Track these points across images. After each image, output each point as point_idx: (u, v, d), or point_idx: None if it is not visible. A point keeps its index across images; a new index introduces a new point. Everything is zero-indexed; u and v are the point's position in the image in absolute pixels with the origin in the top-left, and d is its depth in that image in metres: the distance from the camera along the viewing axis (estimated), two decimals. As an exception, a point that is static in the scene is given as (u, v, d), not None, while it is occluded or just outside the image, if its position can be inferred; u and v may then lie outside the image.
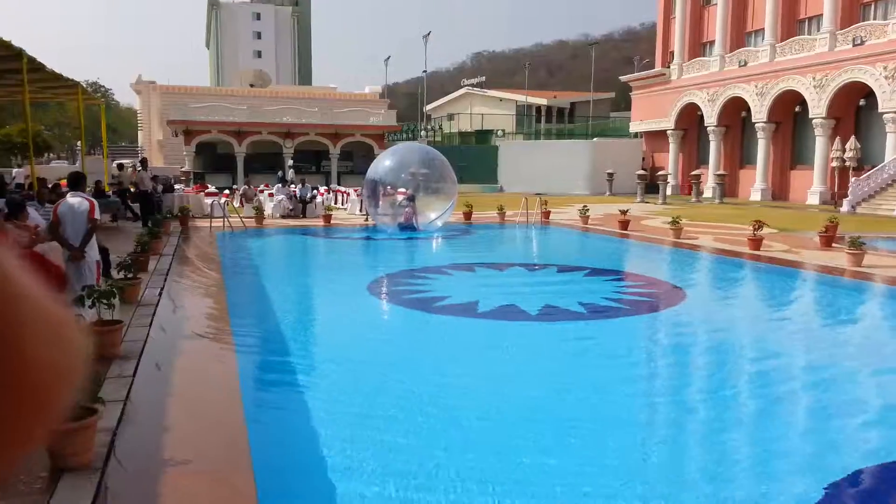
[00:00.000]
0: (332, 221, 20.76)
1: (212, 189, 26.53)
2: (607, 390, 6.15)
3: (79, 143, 43.60)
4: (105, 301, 6.31)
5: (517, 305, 9.51)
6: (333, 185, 33.40)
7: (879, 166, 26.39)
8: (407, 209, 18.34)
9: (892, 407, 5.81)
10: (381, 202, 18.75)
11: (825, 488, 4.13)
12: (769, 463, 4.58)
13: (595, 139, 45.41)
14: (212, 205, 20.23)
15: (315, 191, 25.32)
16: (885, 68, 26.67)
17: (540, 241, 18.76)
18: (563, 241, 18.45)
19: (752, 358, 7.39)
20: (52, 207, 11.47)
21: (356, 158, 44.82)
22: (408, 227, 18.19)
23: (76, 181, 8.26)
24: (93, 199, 8.15)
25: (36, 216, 10.41)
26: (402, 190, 18.95)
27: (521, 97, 64.02)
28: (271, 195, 23.72)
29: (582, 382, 6.39)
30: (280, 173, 33.15)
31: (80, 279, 7.54)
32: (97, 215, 7.98)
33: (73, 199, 7.96)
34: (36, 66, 12.15)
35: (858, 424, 5.37)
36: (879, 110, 26.94)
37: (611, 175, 36.87)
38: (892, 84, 26.42)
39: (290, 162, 35.82)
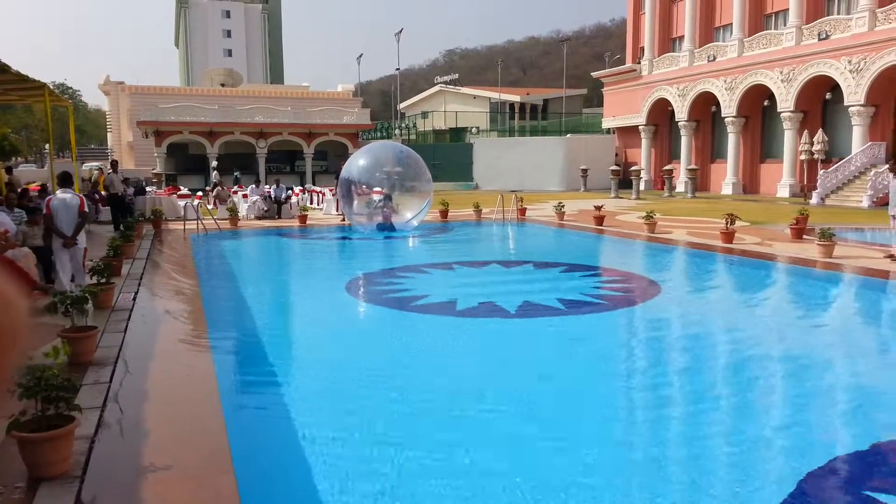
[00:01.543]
0: (307, 222, 20.66)
1: (184, 191, 26.21)
2: (588, 384, 6.20)
3: (47, 146, 42.69)
4: (78, 307, 6.21)
5: (495, 303, 9.55)
6: (308, 185, 33.20)
7: (846, 158, 26.94)
8: (385, 209, 18.29)
9: (868, 394, 5.94)
10: (356, 202, 18.68)
11: (802, 478, 4.21)
12: (748, 453, 4.66)
13: (568, 135, 45.69)
14: (185, 207, 20.00)
15: (290, 191, 25.16)
16: (849, 62, 27.20)
17: (516, 239, 18.83)
18: (539, 238, 18.54)
19: (728, 349, 7.51)
20: (21, 212, 11.29)
21: (330, 158, 44.56)
22: (385, 227, 18.15)
23: (65, 179, 9.45)
24: (82, 195, 9.54)
25: (6, 220, 10.22)
26: (378, 189, 18.90)
27: (494, 94, 64.22)
28: (245, 196, 23.52)
29: (563, 377, 6.44)
30: (215, 175, 33.10)
31: (74, 262, 9.19)
32: (87, 209, 9.40)
33: (65, 195, 9.26)
34: (1, 68, 11.91)
35: (835, 412, 5.48)
36: (845, 103, 27.47)
37: (585, 171, 37.11)
38: (856, 78, 26.95)
39: (215, 163, 35.55)
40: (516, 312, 8.94)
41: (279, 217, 22.71)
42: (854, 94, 26.97)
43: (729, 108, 33.32)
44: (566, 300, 9.64)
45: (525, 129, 59.73)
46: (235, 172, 36.32)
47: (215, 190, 24.88)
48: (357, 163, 18.57)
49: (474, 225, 21.03)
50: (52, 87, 14.57)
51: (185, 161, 41.45)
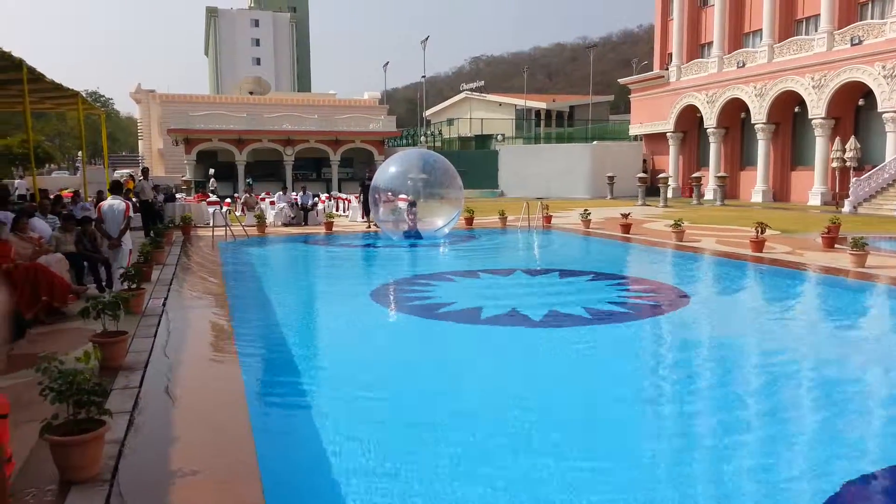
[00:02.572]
0: (333, 229, 20.79)
1: (213, 198, 26.57)
2: (613, 396, 6.14)
3: (79, 153, 43.54)
4: (110, 312, 6.31)
5: (521, 311, 9.53)
6: (334, 192, 33.44)
7: (880, 166, 26.39)
8: (410, 216, 18.34)
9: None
10: (381, 209, 18.77)
11: (834, 493, 4.12)
12: (780, 467, 4.57)
13: (595, 142, 45.47)
14: (214, 214, 20.27)
15: (316, 198, 25.36)
16: (883, 67, 26.70)
17: (542, 247, 18.76)
18: (565, 246, 18.46)
19: (761, 362, 7.37)
20: (53, 218, 11.55)
21: (356, 165, 44.81)
22: (411, 235, 18.19)
23: (116, 186, 11.27)
24: (128, 201, 10.91)
25: (42, 227, 10.46)
26: (403, 196, 18.97)
27: (520, 101, 64.14)
28: (273, 203, 23.76)
29: (587, 388, 6.38)
30: (212, 183, 33.49)
31: (119, 261, 10.42)
32: (131, 213, 10.73)
33: (113, 201, 10.70)
34: (36, 76, 12.17)
35: (871, 427, 5.35)
36: (878, 110, 26.95)
37: (611, 178, 36.90)
38: (890, 83, 26.45)
39: (212, 171, 36.16)
40: (542, 321, 8.90)
41: (305, 224, 22.89)
42: (888, 99, 26.45)
43: (759, 114, 32.89)
44: (592, 309, 9.57)
45: (551, 136, 59.52)
46: (248, 179, 36.74)
47: (243, 197, 25.16)
48: (385, 171, 18.65)
49: (500, 232, 20.97)
50: (84, 96, 14.88)
51: (215, 169, 42.10)
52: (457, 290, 11.56)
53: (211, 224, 19.95)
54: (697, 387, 6.47)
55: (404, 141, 58.31)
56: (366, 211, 20.75)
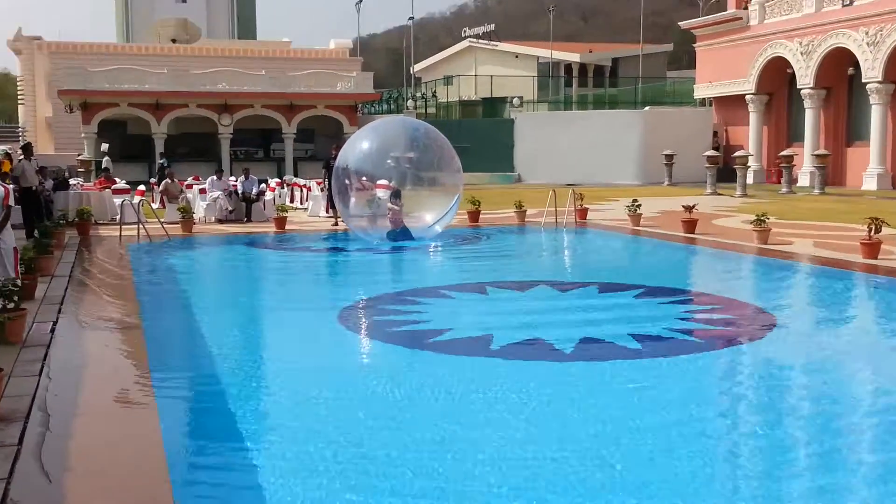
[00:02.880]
0: (287, 227, 20.83)
1: (121, 185, 26.60)
2: (671, 458, 6.12)
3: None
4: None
5: (544, 340, 9.56)
6: (288, 177, 33.55)
7: None
8: (394, 210, 18.37)
9: None
10: (353, 199, 18.78)
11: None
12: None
13: (647, 108, 45.63)
14: (122, 206, 20.30)
15: (263, 185, 25.44)
16: None
17: (575, 251, 18.76)
18: (606, 250, 18.48)
19: (872, 411, 7.36)
20: None
21: (318, 139, 44.93)
22: (397, 235, 18.22)
23: None
24: (7, 185, 10.37)
25: None
26: (383, 182, 19.00)
27: (544, 52, 64.29)
28: (203, 191, 23.81)
29: (636, 449, 6.36)
30: (163, 161, 33.65)
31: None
32: (11, 202, 10.29)
33: None
34: None
35: None
36: None
37: (669, 158, 36.99)
38: None
39: (105, 146, 36.15)
40: (574, 353, 8.91)
41: (248, 220, 22.94)
42: None
43: (872, 69, 33.01)
44: (643, 336, 9.59)
45: (587, 100, 59.70)
46: (161, 160, 36.74)
47: (163, 183, 25.20)
48: (358, 146, 18.69)
49: (516, 231, 21.00)
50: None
51: (124, 144, 42.03)
52: (456, 310, 11.58)
53: (118, 221, 19.96)
54: (788, 446, 6.45)
55: (385, 106, 58.41)
56: (331, 203, 20.80)
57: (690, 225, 18.57)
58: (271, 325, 11.51)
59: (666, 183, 37.20)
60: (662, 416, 7.07)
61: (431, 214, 19.05)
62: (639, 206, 20.45)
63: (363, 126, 21.81)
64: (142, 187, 26.49)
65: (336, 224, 21.22)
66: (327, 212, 23.08)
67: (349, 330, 10.55)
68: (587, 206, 22.25)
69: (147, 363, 8.53)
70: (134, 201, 21.21)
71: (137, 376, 8.02)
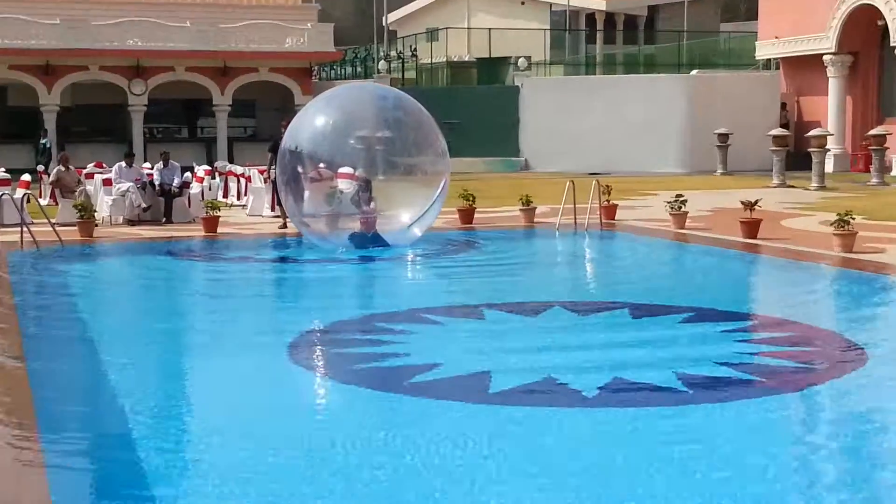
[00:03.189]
0: (219, 230, 20.74)
1: (1, 174, 26.40)
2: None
3: None
4: None
5: (559, 380, 9.52)
6: (221, 164, 33.47)
7: None
8: (362, 207, 18.34)
9: None
10: (307, 193, 18.74)
11: None
12: None
13: (694, 72, 45.71)
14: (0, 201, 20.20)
15: (187, 174, 25.29)
16: None
17: (600, 261, 18.79)
18: (641, 260, 18.52)
19: None
20: None
21: (261, 112, 44.89)
22: (365, 240, 18.17)
23: None
24: None
25: None
26: (347, 170, 18.96)
27: (559, -2, 64.52)
28: (108, 182, 23.69)
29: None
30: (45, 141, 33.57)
31: None
32: None
33: None
34: None
35: None
36: None
37: (724, 138, 37.08)
38: None
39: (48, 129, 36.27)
40: (598, 398, 8.89)
41: (168, 220, 22.88)
42: None
43: None
44: (689, 375, 9.56)
45: (614, 62, 59.87)
46: (43, 140, 36.63)
47: (54, 172, 25.07)
48: (312, 123, 18.66)
49: (522, 236, 21.04)
50: None
51: (1, 119, 41.82)
52: (443, 340, 11.58)
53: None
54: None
55: (349, 69, 58.37)
56: (279, 198, 20.73)
57: (752, 227, 18.50)
58: (198, 364, 11.45)
59: (719, 171, 37.23)
60: (715, 484, 7.07)
61: (408, 213, 19.01)
62: (684, 201, 20.42)
63: (319, 95, 21.73)
64: (26, 177, 26.23)
65: (285, 226, 21.16)
66: (273, 209, 23.02)
67: (302, 368, 10.51)
68: (616, 201, 22.26)
69: (32, 404, 8.50)
70: (16, 196, 21.08)
71: (19, 437, 7.97)
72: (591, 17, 66.14)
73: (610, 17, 66.70)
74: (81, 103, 42.62)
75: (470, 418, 8.51)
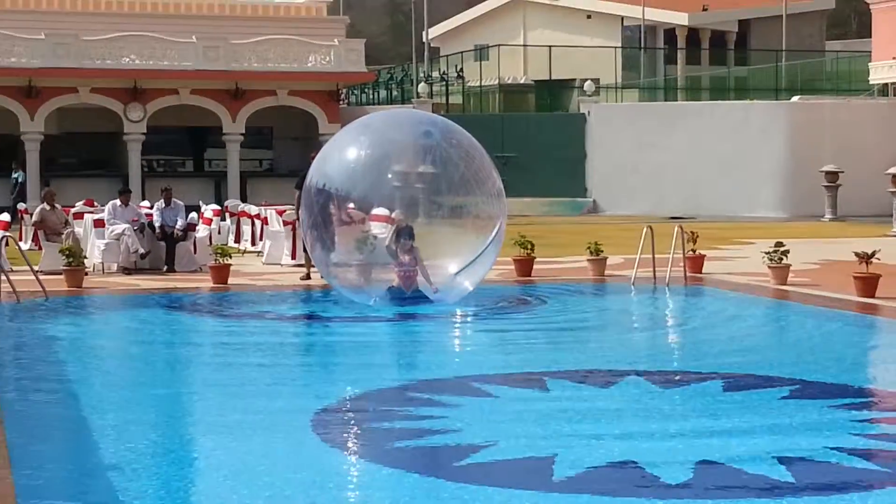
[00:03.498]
0: (230, 280, 20.84)
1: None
2: None
3: None
4: None
5: (638, 463, 9.52)
6: (232, 203, 33.70)
7: None
8: (402, 257, 18.38)
9: None
10: (336, 238, 18.82)
11: None
12: None
13: (795, 98, 45.60)
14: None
15: (193, 215, 25.44)
16: None
17: (684, 322, 18.71)
18: (733, 322, 18.44)
19: None
20: None
21: (280, 144, 45.15)
22: (404, 297, 18.22)
23: None
24: None
25: None
26: (382, 212, 19.02)
27: (632, 10, 64.72)
28: (101, 224, 23.87)
29: None
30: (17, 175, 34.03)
31: None
32: None
33: None
34: None
35: None
36: None
37: (832, 176, 36.91)
38: None
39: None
40: (685, 486, 8.86)
41: (170, 269, 23.07)
42: None
43: None
44: (793, 459, 9.53)
45: (699, 85, 59.86)
46: (15, 174, 37.07)
47: (38, 210, 25.33)
48: (340, 155, 18.80)
49: (591, 290, 21.04)
50: None
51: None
52: (497, 415, 11.58)
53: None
54: None
55: (383, 93, 58.70)
56: (304, 245, 20.80)
57: (868, 284, 18.43)
58: (206, 441, 11.47)
59: (827, 217, 37.10)
60: None
61: (456, 262, 19.08)
62: (785, 252, 20.35)
63: (350, 124, 21.85)
64: (5, 217, 26.56)
65: (308, 276, 21.30)
66: (294, 257, 23.14)
67: (329, 445, 10.53)
68: (703, 251, 22.27)
69: (13, 490, 8.54)
70: (-6, 240, 21.29)
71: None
72: (670, 32, 66.31)
73: (693, 34, 66.77)
74: (69, 131, 43.04)
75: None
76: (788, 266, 20.34)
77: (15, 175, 38.87)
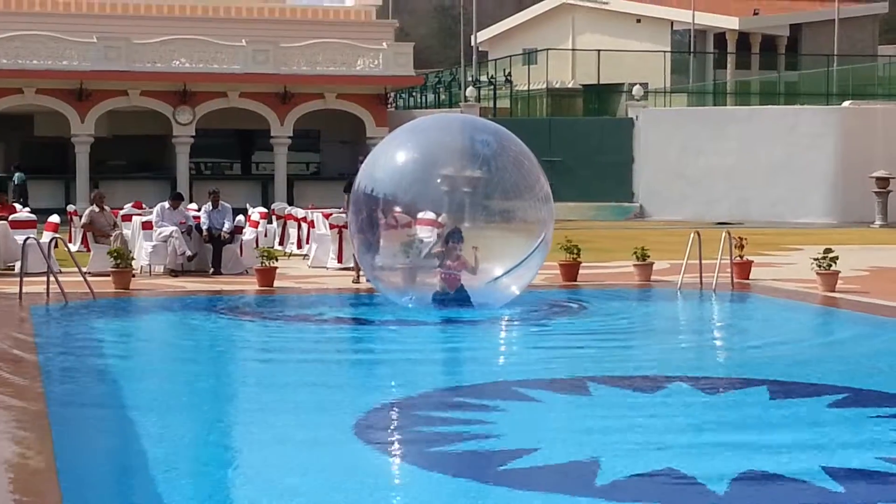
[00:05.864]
0: (276, 284, 20.89)
1: (25, 214, 26.84)
2: None
3: None
4: None
5: (682, 471, 9.44)
6: (279, 205, 33.74)
7: None
8: (447, 260, 18.36)
9: None
10: (382, 242, 18.82)
11: None
12: None
13: (847, 103, 45.28)
14: (24, 246, 20.56)
15: (240, 217, 25.50)
16: None
17: (731, 328, 18.60)
18: (780, 328, 18.32)
19: None
20: None
21: (326, 147, 45.25)
22: (449, 300, 18.23)
23: None
24: None
25: None
26: (428, 217, 18.99)
27: (682, 14, 64.48)
28: (149, 226, 23.99)
29: None
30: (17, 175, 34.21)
31: None
32: None
33: None
34: None
35: None
36: None
37: (884, 182, 36.68)
38: None
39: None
40: (731, 495, 8.79)
41: (217, 271, 23.18)
42: None
43: None
44: (843, 470, 9.43)
45: (748, 90, 59.54)
46: (15, 177, 37.17)
47: (87, 212, 25.44)
48: (389, 159, 18.81)
49: (637, 296, 20.97)
50: None
51: (28, 151, 42.58)
52: (541, 419, 11.59)
53: (18, 269, 20.25)
54: None
55: (431, 97, 58.78)
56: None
57: (919, 291, 18.34)
58: (252, 439, 11.51)
59: (878, 223, 36.84)
60: None
61: (503, 266, 19.05)
62: (834, 258, 20.21)
63: (398, 128, 21.85)
64: (54, 218, 26.62)
65: (357, 280, 21.34)
66: (340, 261, 23.17)
67: (373, 449, 10.54)
68: (750, 257, 22.14)
69: (58, 483, 8.55)
70: (42, 240, 21.41)
71: (43, 499, 8.08)
72: (720, 37, 66.01)
73: (744, 38, 66.45)
74: (119, 133, 43.28)
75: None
76: (837, 273, 20.18)
77: (15, 176, 38.85)
